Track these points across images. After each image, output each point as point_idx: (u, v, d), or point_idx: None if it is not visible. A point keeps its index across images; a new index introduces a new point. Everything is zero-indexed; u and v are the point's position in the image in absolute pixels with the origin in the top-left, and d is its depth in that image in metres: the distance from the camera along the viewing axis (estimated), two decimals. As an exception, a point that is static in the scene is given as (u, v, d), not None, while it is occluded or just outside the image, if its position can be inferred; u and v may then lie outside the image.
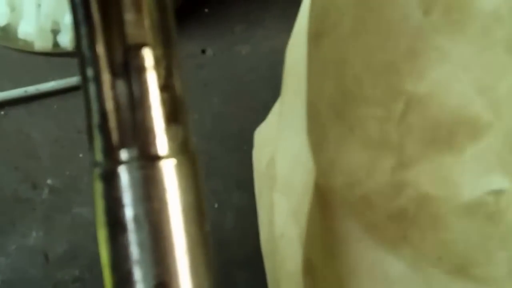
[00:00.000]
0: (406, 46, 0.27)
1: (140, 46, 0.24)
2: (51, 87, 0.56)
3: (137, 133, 0.23)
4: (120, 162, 0.23)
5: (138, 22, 0.24)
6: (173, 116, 0.24)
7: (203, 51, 0.62)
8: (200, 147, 0.55)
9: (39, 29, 0.57)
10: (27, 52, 0.58)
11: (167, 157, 0.24)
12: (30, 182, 0.53)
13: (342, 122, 0.31)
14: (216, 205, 0.53)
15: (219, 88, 0.60)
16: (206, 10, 0.66)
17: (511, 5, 0.24)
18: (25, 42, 0.58)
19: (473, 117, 0.26)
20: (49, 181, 0.53)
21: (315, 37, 0.33)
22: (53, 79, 0.57)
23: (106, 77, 0.23)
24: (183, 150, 0.24)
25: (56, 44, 0.58)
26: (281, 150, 0.40)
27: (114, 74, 0.23)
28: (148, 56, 0.24)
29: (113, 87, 0.23)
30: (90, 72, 0.24)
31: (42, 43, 0.58)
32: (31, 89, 0.56)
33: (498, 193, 0.25)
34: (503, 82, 0.25)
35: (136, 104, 0.23)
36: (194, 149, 0.25)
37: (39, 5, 0.57)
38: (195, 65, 0.61)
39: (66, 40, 0.58)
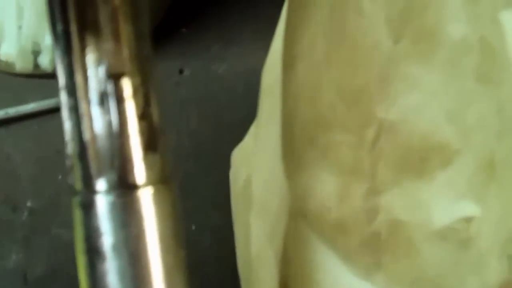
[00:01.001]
0: (377, 73, 0.28)
1: (119, 75, 0.24)
2: (31, 108, 0.56)
3: (116, 163, 0.23)
4: (99, 191, 0.23)
5: (117, 51, 0.24)
6: (151, 144, 0.24)
7: (181, 71, 0.62)
8: (178, 167, 0.55)
9: (20, 50, 0.58)
10: (8, 73, 0.59)
11: (144, 185, 0.24)
12: (10, 204, 0.53)
13: (316, 147, 0.31)
14: (193, 226, 0.53)
15: (196, 107, 0.60)
16: (183, 29, 0.66)
17: (479, 34, 0.25)
18: (6, 63, 0.58)
19: (443, 144, 0.26)
20: (29, 203, 0.53)
21: (289, 61, 0.33)
22: (33, 100, 0.57)
23: (84, 106, 0.24)
24: (161, 178, 0.25)
25: (36, 65, 0.59)
26: (257, 172, 0.40)
27: (93, 104, 0.24)
28: (126, 85, 0.24)
29: (92, 117, 0.24)
30: (69, 101, 0.24)
31: (23, 64, 0.58)
32: (12, 111, 0.56)
33: (468, 219, 0.26)
34: (472, 110, 0.25)
35: (114, 133, 0.24)
36: (171, 176, 0.25)
37: (20, 27, 0.58)
38: (172, 85, 0.61)
39: (46, 61, 0.58)
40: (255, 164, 0.41)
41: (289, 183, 0.34)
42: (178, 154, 0.57)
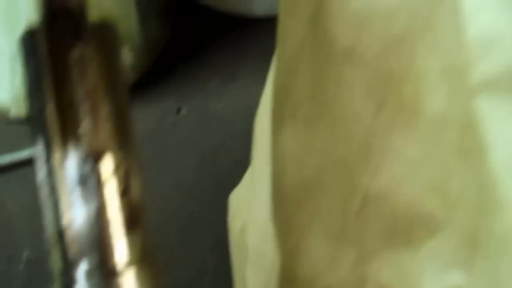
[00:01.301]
0: (359, 143, 0.27)
1: (98, 154, 0.24)
2: (27, 155, 0.56)
3: (95, 246, 0.23)
4: (78, 278, 0.23)
5: (96, 130, 0.24)
6: (131, 223, 0.24)
7: (178, 110, 0.62)
8: (177, 209, 0.55)
9: (14, 97, 0.58)
10: (2, 119, 0.59)
11: (126, 267, 0.23)
12: (6, 255, 0.52)
13: (305, 210, 0.31)
14: (192, 271, 0.53)
15: (194, 146, 0.60)
16: (180, 67, 0.66)
17: (459, 108, 0.24)
18: (1, 109, 0.58)
19: (428, 215, 0.26)
20: (25, 254, 0.52)
21: (278, 118, 0.33)
22: (28, 147, 0.57)
23: (63, 187, 0.23)
24: (142, 257, 0.24)
25: (31, 112, 0.59)
26: (252, 222, 0.40)
27: (72, 184, 0.23)
28: (107, 163, 0.24)
29: (71, 198, 0.23)
30: (48, 180, 0.24)
31: (17, 111, 0.58)
32: (6, 158, 0.55)
33: (456, 290, 0.25)
34: (454, 183, 0.25)
35: (94, 216, 0.23)
36: (152, 253, 0.25)
37: (14, 73, 0.58)
38: (169, 125, 0.61)
39: (41, 107, 0.58)
40: (250, 212, 0.40)
41: (280, 239, 0.34)
42: (177, 195, 0.57)
